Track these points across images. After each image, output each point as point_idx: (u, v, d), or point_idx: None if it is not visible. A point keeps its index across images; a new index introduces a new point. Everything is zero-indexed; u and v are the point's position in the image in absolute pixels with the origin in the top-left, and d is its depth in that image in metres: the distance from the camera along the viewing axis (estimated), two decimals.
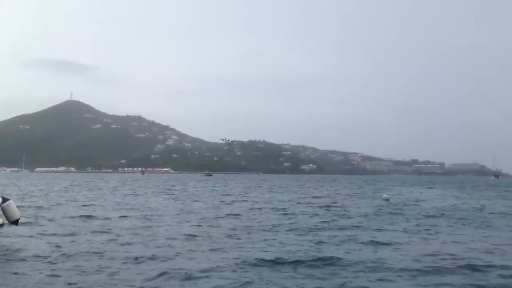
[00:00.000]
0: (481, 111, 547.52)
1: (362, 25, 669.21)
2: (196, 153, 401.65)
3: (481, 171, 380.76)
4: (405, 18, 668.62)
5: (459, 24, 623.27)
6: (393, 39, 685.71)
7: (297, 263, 13.15)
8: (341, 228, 21.19)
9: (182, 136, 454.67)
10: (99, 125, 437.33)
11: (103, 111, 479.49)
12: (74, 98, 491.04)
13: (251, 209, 31.25)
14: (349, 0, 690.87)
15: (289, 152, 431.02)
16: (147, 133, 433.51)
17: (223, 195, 50.44)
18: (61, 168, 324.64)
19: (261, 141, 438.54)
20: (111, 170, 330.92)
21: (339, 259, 13.74)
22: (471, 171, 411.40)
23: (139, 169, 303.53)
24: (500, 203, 41.87)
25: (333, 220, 24.46)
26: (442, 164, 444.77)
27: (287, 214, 27.92)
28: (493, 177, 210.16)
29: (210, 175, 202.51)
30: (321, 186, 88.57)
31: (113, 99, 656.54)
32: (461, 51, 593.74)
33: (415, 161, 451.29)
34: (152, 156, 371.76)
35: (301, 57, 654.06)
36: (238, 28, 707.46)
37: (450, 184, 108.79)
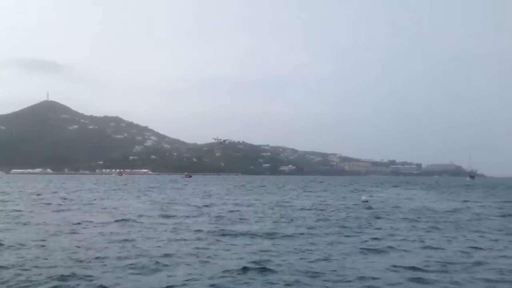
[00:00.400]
0: (457, 112, 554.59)
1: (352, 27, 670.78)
2: (175, 154, 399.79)
3: (457, 172, 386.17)
4: (401, 23, 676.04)
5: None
6: (376, 40, 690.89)
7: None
8: (328, 233, 21.10)
9: (161, 137, 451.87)
10: (76, 126, 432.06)
11: (80, 111, 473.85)
12: (51, 98, 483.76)
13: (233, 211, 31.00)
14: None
15: (268, 153, 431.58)
16: (125, 134, 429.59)
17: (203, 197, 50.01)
18: (38, 170, 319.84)
19: (241, 142, 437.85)
20: (88, 172, 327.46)
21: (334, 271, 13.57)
22: (447, 172, 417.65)
23: (117, 170, 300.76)
24: (474, 205, 42.37)
25: (312, 228, 24.34)
26: (419, 165, 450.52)
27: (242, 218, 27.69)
28: (468, 178, 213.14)
29: (190, 176, 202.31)
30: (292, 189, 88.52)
31: (90, 99, 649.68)
32: (438, 53, 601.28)
33: (392, 162, 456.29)
34: (131, 157, 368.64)
35: (276, 58, 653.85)
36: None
37: (426, 185, 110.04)
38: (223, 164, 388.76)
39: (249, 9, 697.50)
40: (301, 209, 34.69)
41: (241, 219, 26.81)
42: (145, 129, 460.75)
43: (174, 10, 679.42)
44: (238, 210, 32.51)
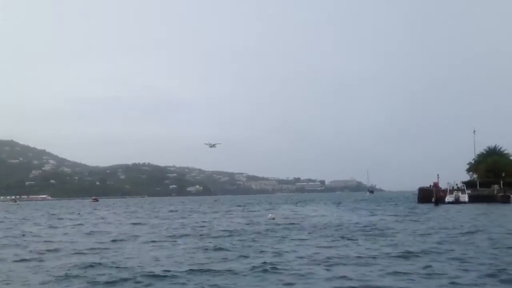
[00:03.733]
0: (355, 129, 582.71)
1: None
2: (76, 178, 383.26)
3: (358, 187, 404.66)
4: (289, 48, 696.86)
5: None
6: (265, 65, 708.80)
7: None
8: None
9: (61, 161, 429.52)
10: None
11: None
12: None
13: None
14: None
15: (174, 174, 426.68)
16: (20, 159, 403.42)
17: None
18: None
19: (146, 163, 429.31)
20: None
21: None
22: (348, 187, 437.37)
23: (12, 197, 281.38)
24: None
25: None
26: (322, 182, 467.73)
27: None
28: (368, 192, 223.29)
29: (97, 201, 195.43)
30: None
31: None
32: (335, 72, 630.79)
33: (297, 180, 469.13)
34: (27, 183, 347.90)
35: (181, 78, 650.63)
36: (112, 50, 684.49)
37: (328, 200, 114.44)
38: (128, 187, 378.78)
39: (143, 29, 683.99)
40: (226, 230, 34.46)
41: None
42: (43, 152, 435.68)
43: (58, 29, 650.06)
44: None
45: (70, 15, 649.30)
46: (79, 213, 71.85)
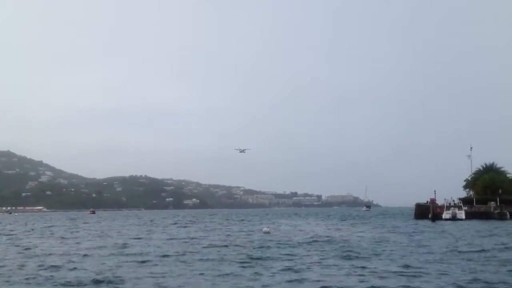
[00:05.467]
0: (352, 144, 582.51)
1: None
2: (73, 189, 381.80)
3: (355, 202, 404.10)
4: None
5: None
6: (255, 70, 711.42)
7: None
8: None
9: (57, 172, 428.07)
10: None
11: None
12: None
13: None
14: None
15: (171, 187, 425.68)
16: (17, 170, 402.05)
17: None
18: None
19: (143, 176, 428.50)
20: None
21: None
22: (345, 202, 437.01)
23: (8, 208, 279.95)
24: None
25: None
26: (319, 196, 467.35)
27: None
28: (365, 208, 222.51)
29: (94, 213, 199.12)
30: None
31: None
32: (333, 86, 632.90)
33: (294, 194, 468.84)
34: (23, 194, 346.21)
35: (178, 90, 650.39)
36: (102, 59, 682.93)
37: (327, 216, 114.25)
38: (124, 199, 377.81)
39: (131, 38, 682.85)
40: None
41: None
42: (40, 163, 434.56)
43: (57, 39, 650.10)
44: None
45: (69, 24, 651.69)
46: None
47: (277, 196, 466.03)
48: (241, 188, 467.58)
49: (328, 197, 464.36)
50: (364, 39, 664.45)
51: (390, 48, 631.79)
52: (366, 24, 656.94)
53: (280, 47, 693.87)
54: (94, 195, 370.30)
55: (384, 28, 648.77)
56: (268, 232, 44.69)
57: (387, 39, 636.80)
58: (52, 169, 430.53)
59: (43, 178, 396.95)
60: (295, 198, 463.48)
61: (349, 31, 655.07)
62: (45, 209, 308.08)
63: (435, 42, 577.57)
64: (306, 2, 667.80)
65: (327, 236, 40.24)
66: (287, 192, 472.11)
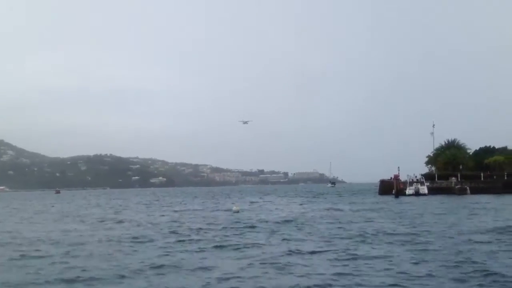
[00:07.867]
0: (318, 123, 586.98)
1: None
2: (36, 169, 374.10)
3: (321, 179, 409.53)
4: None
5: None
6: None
7: None
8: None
9: (19, 151, 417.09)
10: None
11: None
12: None
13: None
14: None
15: (137, 166, 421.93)
16: None
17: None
18: None
19: (108, 155, 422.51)
20: None
21: None
22: (311, 179, 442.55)
23: None
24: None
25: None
26: (286, 174, 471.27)
27: None
28: (329, 184, 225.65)
29: (59, 192, 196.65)
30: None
31: None
32: (299, 67, 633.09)
33: (261, 171, 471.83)
34: None
35: (145, 69, 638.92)
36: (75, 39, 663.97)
37: (293, 192, 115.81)
38: (89, 178, 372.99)
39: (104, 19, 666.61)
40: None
41: None
42: (1, 142, 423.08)
43: (19, 18, 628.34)
44: None
45: (32, 4, 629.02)
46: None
47: (244, 173, 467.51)
48: (208, 166, 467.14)
49: (294, 174, 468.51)
50: (333, 19, 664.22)
51: (359, 28, 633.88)
52: (333, 3, 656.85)
53: (249, 26, 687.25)
54: (58, 174, 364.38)
55: (352, 10, 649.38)
56: (238, 211, 44.97)
57: (357, 19, 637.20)
58: (13, 148, 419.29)
59: (5, 158, 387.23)
60: (261, 175, 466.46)
61: (316, 11, 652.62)
62: (7, 189, 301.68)
63: (405, 22, 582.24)
64: None
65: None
66: (254, 169, 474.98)
